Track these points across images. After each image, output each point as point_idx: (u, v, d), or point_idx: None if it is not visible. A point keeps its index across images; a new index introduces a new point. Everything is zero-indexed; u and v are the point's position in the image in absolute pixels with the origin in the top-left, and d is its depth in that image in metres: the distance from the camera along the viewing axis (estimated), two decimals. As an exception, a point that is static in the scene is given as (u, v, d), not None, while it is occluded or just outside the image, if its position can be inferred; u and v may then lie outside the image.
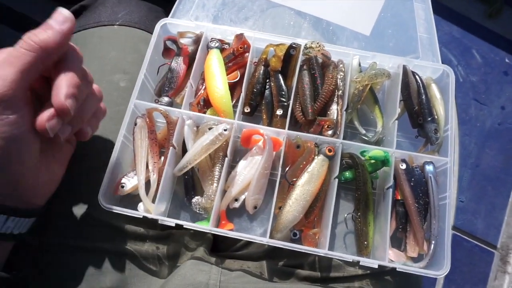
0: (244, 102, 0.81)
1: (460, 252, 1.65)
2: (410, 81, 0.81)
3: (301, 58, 0.81)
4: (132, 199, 0.75)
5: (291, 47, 0.80)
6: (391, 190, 0.73)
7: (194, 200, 0.74)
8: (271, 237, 0.70)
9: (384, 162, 0.75)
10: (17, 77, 0.49)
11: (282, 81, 0.81)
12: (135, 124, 0.73)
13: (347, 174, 0.76)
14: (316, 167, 0.74)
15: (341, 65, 0.82)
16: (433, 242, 0.71)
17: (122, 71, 0.82)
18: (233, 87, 0.82)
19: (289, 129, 0.76)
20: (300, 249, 0.68)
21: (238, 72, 0.82)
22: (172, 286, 0.68)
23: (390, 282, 0.73)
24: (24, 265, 0.66)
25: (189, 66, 0.83)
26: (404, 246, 0.74)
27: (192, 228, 0.69)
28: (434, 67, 0.84)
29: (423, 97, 0.80)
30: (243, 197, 0.76)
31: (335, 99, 0.80)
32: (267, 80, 0.83)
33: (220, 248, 0.80)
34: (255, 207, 0.75)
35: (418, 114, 0.80)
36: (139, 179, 0.72)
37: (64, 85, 0.52)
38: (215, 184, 0.73)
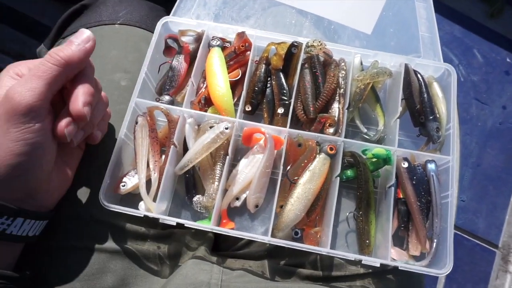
0: (245, 101, 0.81)
1: (461, 251, 1.65)
2: (412, 80, 0.80)
3: (302, 56, 0.81)
4: (133, 198, 0.74)
5: (292, 45, 0.80)
6: (393, 188, 0.72)
7: (195, 199, 0.73)
8: (272, 236, 0.70)
9: (386, 160, 0.75)
10: (44, 89, 0.54)
11: (283, 80, 0.81)
12: (136, 123, 0.73)
13: (349, 172, 0.76)
14: (318, 165, 0.73)
15: (342, 64, 0.82)
16: (435, 240, 0.71)
17: (123, 70, 0.82)
18: (234, 86, 0.81)
19: (290, 127, 0.76)
20: (302, 248, 0.68)
21: (240, 71, 0.82)
22: (174, 286, 0.68)
23: (392, 281, 0.73)
24: (26, 265, 0.66)
25: (190, 64, 0.83)
26: (406, 245, 0.74)
27: (193, 227, 0.69)
28: (435, 66, 0.84)
29: (425, 95, 0.80)
30: (244, 196, 0.75)
31: (337, 97, 0.80)
32: (269, 79, 0.83)
33: (221, 248, 0.80)
34: (257, 206, 0.75)
35: (419, 112, 0.80)
36: (140, 178, 0.72)
37: (81, 94, 0.58)
38: (216, 183, 0.73)
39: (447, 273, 0.67)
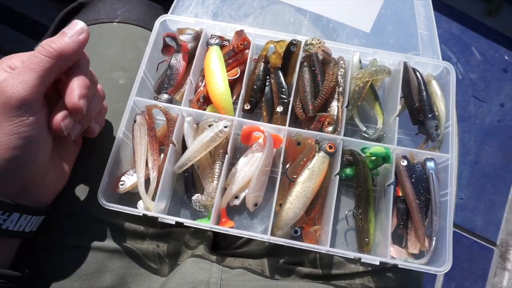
0: (244, 99, 0.81)
1: (459, 249, 1.65)
2: (410, 78, 0.80)
3: (301, 54, 0.81)
4: (131, 197, 0.74)
5: (291, 43, 0.80)
6: (392, 186, 0.72)
7: (194, 197, 0.73)
8: (272, 234, 0.70)
9: (385, 158, 0.75)
10: (37, 81, 0.53)
11: (282, 78, 0.81)
12: (135, 121, 0.73)
13: (348, 171, 0.76)
14: (317, 164, 0.73)
15: (341, 62, 0.82)
16: (434, 238, 0.71)
17: (121, 68, 0.81)
18: (233, 84, 0.81)
19: (289, 126, 0.75)
20: (301, 246, 0.68)
21: (238, 69, 0.82)
22: (173, 285, 0.68)
23: (391, 279, 0.73)
24: (22, 261, 0.66)
25: (189, 63, 0.82)
26: (405, 243, 0.74)
27: (193, 225, 0.69)
28: (434, 64, 0.84)
29: (424, 93, 0.80)
30: (243, 194, 0.75)
31: (336, 95, 0.80)
32: (267, 77, 0.83)
33: (221, 246, 0.80)
34: (256, 205, 0.75)
35: (418, 111, 0.80)
36: (138, 177, 0.71)
37: (76, 87, 0.57)
38: (215, 182, 0.73)
39: (446, 271, 0.67)
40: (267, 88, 0.82)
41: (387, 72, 0.81)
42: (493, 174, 1.76)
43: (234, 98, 0.80)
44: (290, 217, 0.71)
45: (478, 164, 1.77)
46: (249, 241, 0.76)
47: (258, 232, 0.74)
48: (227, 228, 0.69)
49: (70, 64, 0.58)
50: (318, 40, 0.79)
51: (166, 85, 0.80)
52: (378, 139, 0.81)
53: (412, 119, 0.82)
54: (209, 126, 0.75)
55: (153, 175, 0.72)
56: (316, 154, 0.74)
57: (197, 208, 0.73)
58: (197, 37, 0.83)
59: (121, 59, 0.82)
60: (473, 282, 1.62)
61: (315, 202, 0.74)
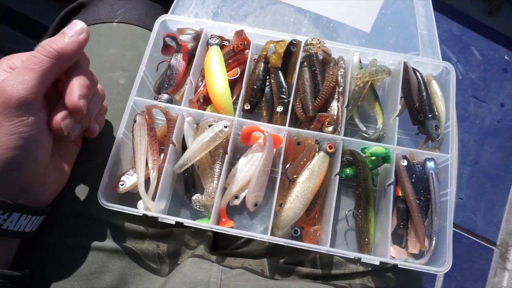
0: (244, 99, 0.81)
1: (459, 249, 1.65)
2: (410, 78, 0.80)
3: (301, 54, 0.81)
4: (131, 197, 0.74)
5: (291, 43, 0.80)
6: (392, 186, 0.72)
7: (194, 197, 0.73)
8: (272, 234, 0.70)
9: (385, 158, 0.75)
10: (37, 81, 0.53)
11: (282, 78, 0.81)
12: (135, 121, 0.73)
13: (348, 171, 0.76)
14: (317, 164, 0.73)
15: (341, 62, 0.82)
16: (434, 238, 0.71)
17: (121, 68, 0.81)
18: (233, 84, 0.81)
19: (289, 126, 0.75)
20: (301, 246, 0.68)
21: (238, 69, 0.82)
22: (173, 285, 0.68)
23: (391, 279, 0.73)
24: (22, 261, 0.66)
25: (189, 63, 0.82)
26: (405, 243, 0.74)
27: (193, 225, 0.69)
28: (434, 64, 0.84)
29: (424, 93, 0.80)
30: (243, 194, 0.75)
31: (336, 95, 0.80)
32: (267, 77, 0.83)
33: (221, 246, 0.80)
34: (256, 205, 0.75)
35: (418, 111, 0.80)
36: (138, 177, 0.71)
37: (76, 87, 0.57)
38: (215, 182, 0.73)
39: (446, 271, 0.67)
40: (267, 88, 0.82)
41: (387, 72, 0.81)
42: (493, 174, 1.76)
43: (234, 98, 0.80)
44: (290, 217, 0.71)
45: (478, 164, 1.77)
46: (249, 241, 0.76)
47: (258, 232, 0.73)
48: (227, 228, 0.69)
49: (70, 64, 0.58)
50: (318, 40, 0.79)
51: (166, 85, 0.80)
52: (378, 139, 0.81)
53: (412, 119, 0.81)
54: (209, 126, 0.75)
55: (153, 175, 0.72)
56: (316, 154, 0.74)
57: (197, 208, 0.73)
58: (197, 37, 0.83)
59: (121, 59, 0.82)
60: (473, 282, 1.62)
61: (315, 202, 0.74)
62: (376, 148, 0.74)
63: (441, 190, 0.74)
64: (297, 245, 0.68)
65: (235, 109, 0.78)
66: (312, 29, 0.91)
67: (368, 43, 0.90)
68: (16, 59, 0.58)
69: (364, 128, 0.81)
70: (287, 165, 0.76)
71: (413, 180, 0.74)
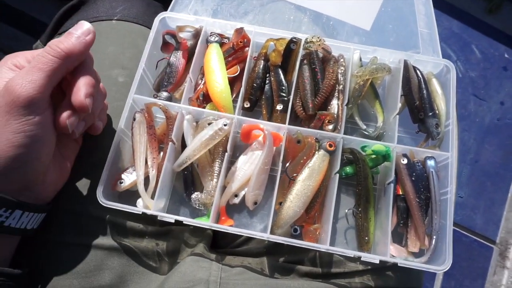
0: (244, 97, 0.80)
1: (459, 247, 1.65)
2: (411, 76, 0.80)
3: (301, 52, 0.80)
4: (131, 195, 0.74)
5: (291, 41, 0.80)
6: (392, 185, 0.72)
7: (193, 196, 0.73)
8: (271, 233, 0.70)
9: (385, 157, 0.75)
10: (45, 81, 0.54)
11: (282, 76, 0.80)
12: (134, 119, 0.72)
13: (348, 169, 0.75)
14: (317, 162, 0.73)
15: (341, 60, 0.82)
16: (434, 237, 0.71)
17: (121, 66, 0.81)
18: (233, 82, 0.81)
19: (289, 124, 0.75)
20: (301, 244, 0.68)
21: (238, 67, 0.82)
22: (172, 283, 0.68)
23: (391, 277, 0.72)
24: (22, 259, 0.65)
25: (188, 60, 0.82)
26: (405, 241, 0.74)
27: (192, 224, 0.69)
28: (435, 62, 0.84)
29: (424, 92, 0.80)
30: (243, 192, 0.75)
31: (336, 94, 0.80)
32: (267, 75, 0.82)
33: (220, 245, 0.80)
34: (255, 203, 0.75)
35: (419, 109, 0.80)
36: (138, 175, 0.71)
37: (82, 86, 0.58)
38: (214, 180, 0.73)
39: (446, 269, 0.67)
40: (267, 86, 0.82)
41: (387, 70, 0.81)
42: (493, 173, 1.76)
43: (234, 96, 0.80)
44: (290, 216, 0.71)
45: (478, 162, 1.77)
46: (249, 239, 0.76)
47: (258, 231, 0.73)
48: (227, 227, 0.69)
49: (76, 64, 0.59)
50: (318, 38, 0.79)
51: (166, 83, 0.80)
52: (378, 138, 0.81)
53: (412, 117, 0.81)
54: (209, 124, 0.74)
55: (152, 173, 0.72)
56: (316, 152, 0.74)
57: (197, 207, 0.73)
58: (196, 34, 0.82)
59: (120, 57, 0.82)
60: (472, 280, 1.62)
61: (315, 200, 0.73)
62: (376, 146, 0.74)
63: (441, 189, 0.74)
64: (296, 243, 0.68)
65: (234, 107, 0.77)
66: (312, 27, 0.91)
67: (368, 41, 0.90)
68: (21, 57, 0.59)
69: (364, 127, 0.81)
70: (287, 164, 0.75)
71: (413, 178, 0.74)
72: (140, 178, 0.71)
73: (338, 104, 0.79)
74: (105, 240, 0.69)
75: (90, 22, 0.83)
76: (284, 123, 0.75)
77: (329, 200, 0.73)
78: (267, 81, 0.82)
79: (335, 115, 0.77)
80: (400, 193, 0.75)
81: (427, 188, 0.74)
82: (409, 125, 0.83)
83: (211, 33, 0.83)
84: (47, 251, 0.68)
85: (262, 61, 0.82)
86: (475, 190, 1.73)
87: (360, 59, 0.82)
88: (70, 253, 0.68)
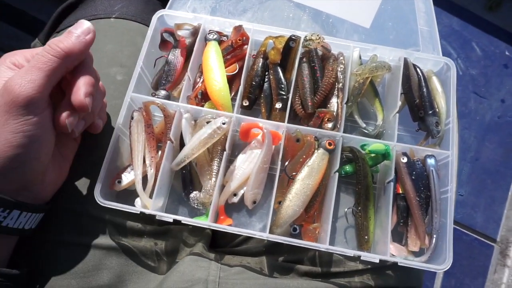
0: (243, 95, 0.80)
1: (459, 245, 1.65)
2: (411, 74, 0.80)
3: (300, 50, 0.80)
4: (129, 195, 0.74)
5: (290, 39, 0.79)
6: (392, 184, 0.72)
7: (192, 195, 0.73)
8: (270, 232, 0.69)
9: (384, 155, 0.74)
10: (44, 81, 0.54)
11: (281, 74, 0.80)
12: (132, 118, 0.72)
13: (348, 168, 0.75)
14: (316, 161, 0.73)
15: (341, 58, 0.81)
16: (434, 236, 0.71)
17: (119, 64, 0.81)
18: (232, 80, 0.80)
19: (288, 122, 0.75)
20: (300, 244, 0.67)
21: (237, 65, 0.81)
22: (171, 283, 0.68)
23: (391, 277, 0.72)
24: (20, 259, 0.65)
25: (187, 58, 0.81)
26: (405, 240, 0.73)
27: (190, 223, 0.69)
28: (435, 60, 0.83)
29: (424, 90, 0.79)
30: (242, 191, 0.75)
31: (335, 92, 0.79)
32: (266, 73, 0.82)
33: (219, 244, 0.80)
34: (254, 202, 0.75)
35: (419, 107, 0.79)
36: (136, 174, 0.71)
37: (82, 85, 0.58)
38: (213, 179, 0.72)
39: (446, 268, 0.67)
40: (266, 84, 0.81)
41: (387, 68, 0.80)
42: (493, 171, 1.76)
43: (232, 95, 0.79)
44: (289, 215, 0.71)
45: (479, 160, 1.77)
46: (248, 239, 0.76)
47: (257, 230, 0.73)
48: (225, 226, 0.69)
49: (76, 63, 0.59)
50: (317, 35, 0.79)
51: (164, 81, 0.80)
52: (378, 136, 0.80)
53: (412, 115, 0.81)
54: (207, 122, 0.74)
55: (150, 172, 0.72)
56: (316, 151, 0.74)
57: (195, 206, 0.73)
58: (195, 32, 0.82)
59: (118, 55, 0.81)
60: (473, 278, 1.62)
61: (314, 199, 0.73)
62: (376, 145, 0.74)
63: (441, 187, 0.73)
64: (296, 243, 0.67)
65: (233, 105, 0.77)
66: (311, 24, 0.90)
67: (368, 39, 0.89)
68: (20, 56, 0.59)
69: (364, 125, 0.81)
70: (286, 162, 0.75)
71: (413, 177, 0.74)
72: (138, 177, 0.71)
73: (337, 102, 0.78)
74: (103, 240, 0.69)
75: (89, 20, 0.82)
76: (283, 122, 0.75)
77: (328, 199, 0.73)
78: (266, 79, 0.82)
79: (334, 114, 0.77)
80: (400, 191, 0.74)
81: (427, 187, 0.74)
82: (409, 124, 0.82)
83: (210, 31, 0.82)
84: (45, 250, 0.68)
85: (261, 59, 0.81)
86: (475, 188, 1.73)
87: (360, 57, 0.82)
88: (69, 252, 0.68)
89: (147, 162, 0.72)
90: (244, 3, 0.92)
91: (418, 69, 0.81)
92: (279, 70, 0.80)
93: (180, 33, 0.81)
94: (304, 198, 0.71)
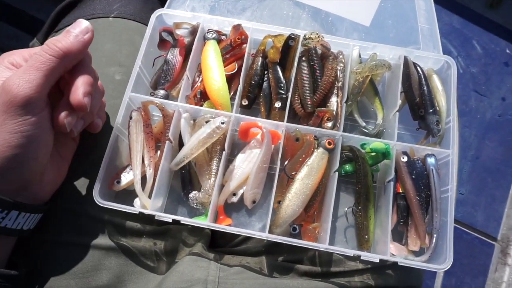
0: (242, 95, 0.80)
1: (460, 244, 1.65)
2: (411, 72, 0.79)
3: (300, 49, 0.80)
4: (128, 195, 0.73)
5: (289, 38, 0.79)
6: (392, 183, 0.72)
7: (191, 195, 0.72)
8: (270, 232, 0.69)
9: (385, 154, 0.74)
10: (42, 80, 0.53)
11: (280, 73, 0.80)
12: (130, 118, 0.72)
13: (347, 167, 0.75)
14: (316, 160, 0.72)
15: (340, 56, 0.81)
16: (435, 235, 0.71)
17: (118, 63, 0.80)
18: (231, 79, 0.80)
19: (288, 121, 0.75)
20: (300, 244, 0.67)
21: (236, 64, 0.81)
22: (170, 283, 0.68)
23: (391, 276, 0.72)
24: (18, 259, 0.65)
25: (186, 58, 0.81)
26: (406, 240, 0.73)
27: (190, 223, 0.68)
28: (435, 58, 0.83)
29: (425, 88, 0.79)
30: (241, 191, 0.74)
31: (335, 91, 0.79)
32: (265, 72, 0.82)
33: (219, 244, 0.80)
34: (254, 202, 0.74)
35: (419, 106, 0.79)
36: (134, 174, 0.71)
37: (80, 84, 0.57)
38: (212, 179, 0.72)
39: (446, 268, 0.66)
40: (265, 83, 0.81)
41: (387, 67, 0.80)
42: (494, 169, 1.75)
43: (231, 94, 0.79)
44: (288, 215, 0.71)
45: (479, 159, 1.76)
46: (248, 238, 0.76)
47: (256, 230, 0.73)
48: (225, 226, 0.69)
49: (75, 63, 0.59)
50: (317, 34, 0.78)
51: (163, 81, 0.79)
52: (378, 135, 0.80)
53: (412, 114, 0.81)
54: (206, 122, 0.74)
55: (149, 172, 0.71)
56: (315, 150, 0.73)
57: (194, 206, 0.72)
58: (194, 31, 0.82)
59: (117, 54, 0.81)
60: (473, 277, 1.62)
61: (314, 199, 0.73)
62: (376, 144, 0.74)
63: (441, 187, 0.73)
64: (295, 243, 0.67)
65: (232, 104, 0.77)
66: (310, 23, 0.90)
67: (368, 37, 0.89)
68: (18, 56, 0.58)
69: (364, 124, 0.80)
70: (286, 162, 0.75)
71: (413, 176, 0.74)
72: (137, 178, 0.70)
73: (337, 101, 0.78)
74: (102, 240, 0.69)
75: (87, 19, 0.82)
76: (283, 121, 0.75)
77: (328, 199, 0.72)
78: (265, 78, 0.81)
79: (334, 113, 0.76)
80: (400, 191, 0.74)
81: (427, 186, 0.73)
82: (409, 122, 0.82)
83: (209, 30, 0.82)
84: (44, 251, 0.67)
85: (260, 58, 0.81)
86: (476, 187, 1.73)
87: (360, 56, 0.81)
88: (67, 253, 0.67)
89: (146, 162, 0.72)
90: (243, 1, 0.91)
91: (418, 67, 0.81)
92: (279, 69, 0.80)
93: (178, 32, 0.81)
94: (303, 197, 0.71)
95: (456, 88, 0.79)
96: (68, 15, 0.88)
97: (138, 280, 0.70)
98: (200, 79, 0.79)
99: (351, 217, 0.75)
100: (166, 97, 0.79)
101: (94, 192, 0.67)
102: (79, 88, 0.57)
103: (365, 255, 0.68)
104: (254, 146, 0.75)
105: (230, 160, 0.77)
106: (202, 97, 0.78)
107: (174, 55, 0.80)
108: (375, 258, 0.67)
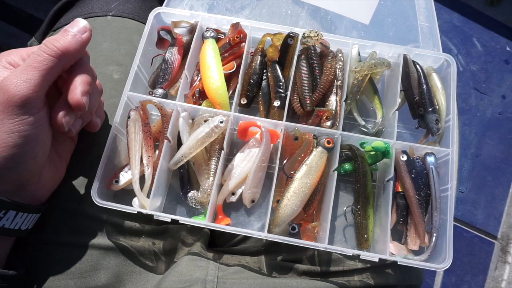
0: (241, 94, 0.79)
1: (460, 243, 1.65)
2: (410, 71, 0.79)
3: (299, 47, 0.79)
4: (126, 194, 0.73)
5: (288, 36, 0.78)
6: (391, 182, 0.71)
7: (190, 194, 0.72)
8: (269, 231, 0.69)
9: (384, 153, 0.74)
10: (40, 80, 0.53)
11: (279, 72, 0.79)
12: (129, 117, 0.72)
13: (347, 166, 0.75)
14: (315, 159, 0.72)
15: (340, 55, 0.81)
16: (434, 234, 0.70)
17: (116, 62, 0.80)
18: (229, 78, 0.80)
19: (286, 120, 0.74)
20: (299, 243, 0.67)
21: (235, 63, 0.81)
22: (169, 283, 0.68)
23: (390, 275, 0.72)
24: (17, 259, 0.65)
25: (184, 56, 0.81)
26: (405, 239, 0.73)
27: (188, 223, 0.68)
28: (435, 56, 0.82)
29: (424, 87, 0.79)
30: (240, 191, 0.74)
31: (334, 89, 0.79)
32: (264, 71, 0.81)
33: (218, 243, 0.80)
34: (253, 201, 0.74)
35: (418, 104, 0.79)
36: (133, 174, 0.70)
37: (79, 84, 0.57)
38: (211, 178, 0.72)
39: (446, 267, 0.66)
40: (264, 82, 0.81)
41: (386, 65, 0.80)
42: (494, 167, 1.75)
43: (230, 93, 0.79)
44: (287, 214, 0.70)
45: (479, 157, 1.76)
46: (247, 238, 0.76)
47: (255, 229, 0.73)
48: (224, 226, 0.69)
49: (73, 62, 0.58)
50: (316, 32, 0.78)
51: (161, 80, 0.79)
52: (377, 134, 0.80)
53: (412, 113, 0.80)
54: (205, 121, 0.74)
55: (148, 172, 0.71)
56: (314, 149, 0.73)
57: (193, 205, 0.72)
58: (192, 30, 0.81)
59: (115, 53, 0.81)
60: (473, 276, 1.62)
61: (313, 198, 0.73)
62: (375, 142, 0.73)
63: (441, 186, 0.73)
64: (294, 242, 0.67)
65: (231, 103, 0.77)
66: (309, 21, 0.90)
67: (367, 36, 0.89)
68: (15, 55, 0.58)
69: (363, 123, 0.80)
70: (285, 161, 0.75)
71: (413, 175, 0.73)
72: (135, 177, 0.70)
73: (336, 100, 0.78)
74: (101, 240, 0.69)
75: (85, 18, 0.83)
76: (282, 120, 0.74)
77: (327, 198, 0.72)
78: (264, 77, 0.81)
79: (333, 111, 0.76)
80: (400, 190, 0.74)
81: (427, 185, 0.73)
82: (408, 121, 0.82)
83: (207, 28, 0.82)
84: (42, 251, 0.67)
85: (259, 56, 0.81)
86: (476, 185, 1.73)
87: (359, 54, 0.81)
88: (66, 253, 0.67)
89: (145, 161, 0.71)
90: (241, 0, 0.91)
91: (418, 65, 0.80)
92: (277, 67, 0.80)
93: (177, 30, 0.80)
94: (302, 197, 0.71)
95: (456, 86, 0.79)
96: (66, 13, 0.88)
97: (137, 280, 0.70)
98: (199, 78, 0.79)
99: (350, 216, 0.75)
100: (165, 96, 0.78)
101: (93, 191, 0.67)
102: (77, 87, 0.57)
103: (365, 255, 0.67)
104: (253, 145, 0.75)
105: (229, 160, 0.76)
106: (201, 96, 0.78)
107: (173, 54, 0.80)
108: (374, 257, 0.67)
